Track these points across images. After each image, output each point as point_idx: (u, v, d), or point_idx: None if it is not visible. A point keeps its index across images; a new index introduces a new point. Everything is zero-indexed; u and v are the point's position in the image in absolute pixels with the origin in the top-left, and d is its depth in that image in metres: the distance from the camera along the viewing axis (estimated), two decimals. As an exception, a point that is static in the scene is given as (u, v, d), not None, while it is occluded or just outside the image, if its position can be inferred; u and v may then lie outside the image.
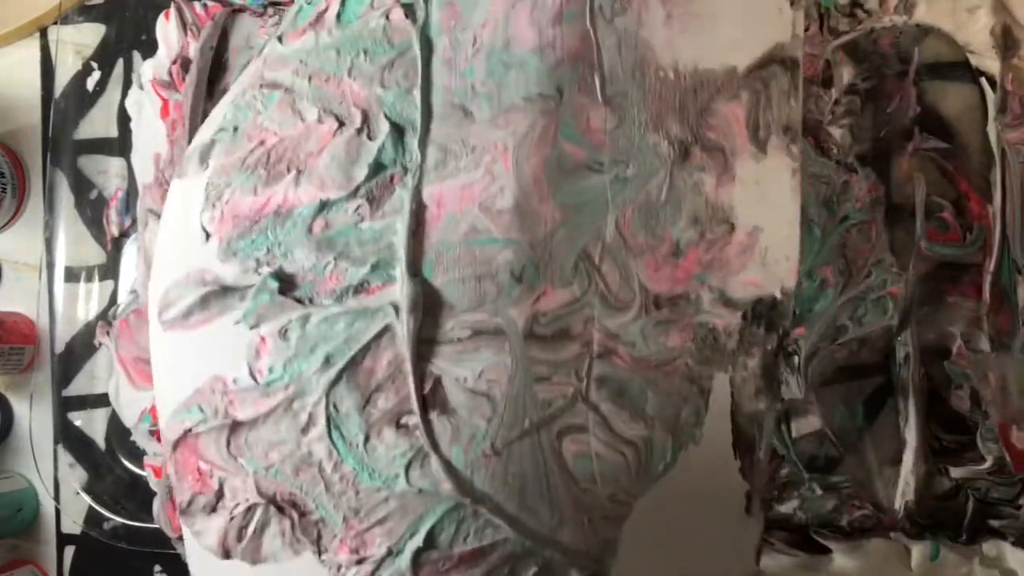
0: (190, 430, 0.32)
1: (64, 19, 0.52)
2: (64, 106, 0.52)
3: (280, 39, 0.34)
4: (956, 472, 0.44)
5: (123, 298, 0.51)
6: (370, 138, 0.32)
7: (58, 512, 0.53)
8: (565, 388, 0.32)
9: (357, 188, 0.32)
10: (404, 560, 0.32)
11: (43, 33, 0.55)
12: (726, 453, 0.34)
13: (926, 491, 0.44)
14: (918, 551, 0.43)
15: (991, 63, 0.44)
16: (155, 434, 0.49)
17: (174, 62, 0.49)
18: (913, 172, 0.45)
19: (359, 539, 0.32)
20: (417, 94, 0.32)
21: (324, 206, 0.32)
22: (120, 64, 0.52)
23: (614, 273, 0.32)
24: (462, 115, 0.32)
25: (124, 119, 0.52)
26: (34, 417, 0.52)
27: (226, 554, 0.32)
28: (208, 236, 0.33)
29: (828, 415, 0.45)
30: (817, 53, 0.45)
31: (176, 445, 0.33)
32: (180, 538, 0.49)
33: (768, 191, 0.33)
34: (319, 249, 0.32)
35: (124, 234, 0.52)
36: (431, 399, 0.31)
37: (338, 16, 0.33)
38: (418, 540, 0.32)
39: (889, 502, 0.44)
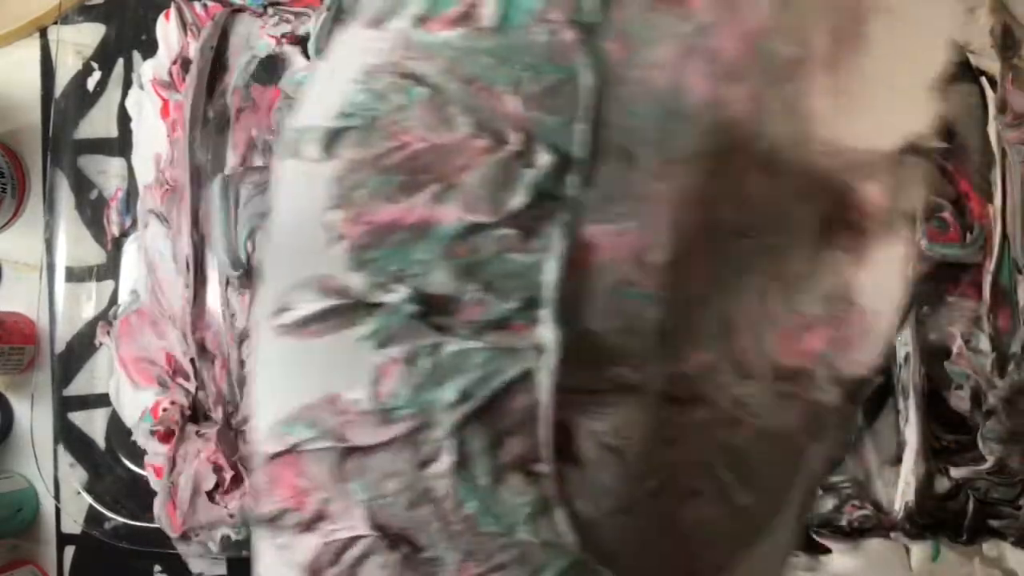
0: (295, 446, 0.30)
1: (64, 19, 0.52)
2: (64, 106, 0.52)
3: (419, 21, 0.30)
4: (956, 472, 0.44)
5: (123, 298, 0.51)
6: (528, 165, 0.29)
7: (58, 512, 0.53)
8: (691, 452, 0.31)
9: (509, 216, 0.29)
10: None
11: (43, 33, 0.55)
12: (799, 516, 0.34)
13: (926, 491, 0.44)
14: (918, 551, 0.43)
15: (991, 63, 0.44)
16: (156, 434, 0.49)
17: (174, 62, 0.49)
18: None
19: None
20: (582, 127, 0.30)
21: (471, 229, 0.29)
22: (120, 64, 0.52)
23: (750, 341, 0.31)
24: (624, 158, 0.30)
25: (124, 119, 0.52)
26: (34, 417, 0.52)
27: (314, 575, 0.31)
28: (334, 240, 0.30)
29: (828, 415, 0.45)
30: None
31: (273, 457, 0.30)
32: (181, 538, 0.49)
33: (885, 275, 0.33)
34: (461, 275, 0.29)
35: (124, 234, 0.52)
36: (563, 449, 0.30)
37: (499, 19, 0.30)
38: None
39: (889, 502, 0.44)
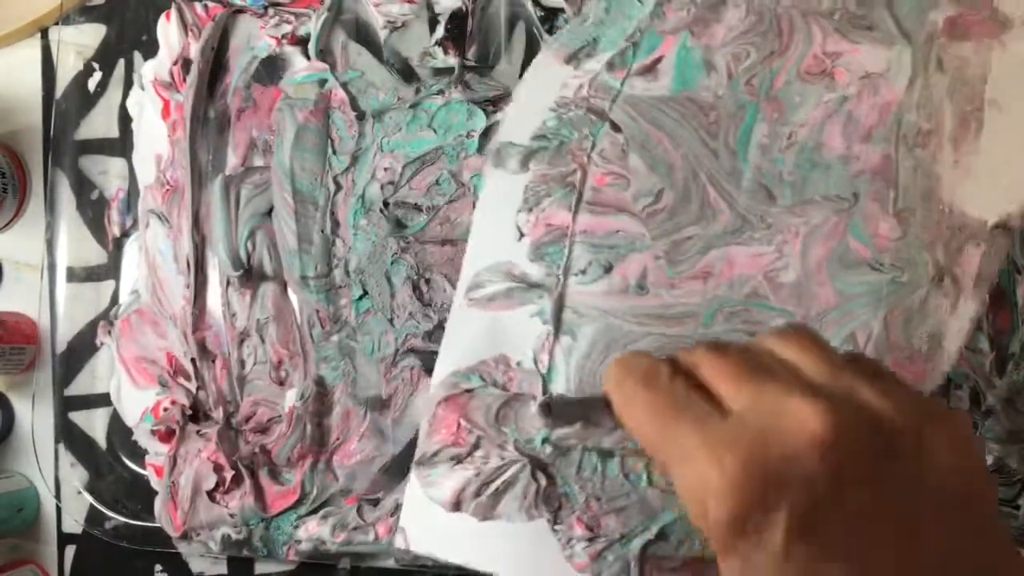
0: (468, 391, 0.37)
1: (65, 19, 0.52)
2: (65, 107, 0.52)
3: (609, 67, 0.39)
4: (956, 472, 0.44)
5: (124, 298, 0.51)
6: (682, 210, 0.38)
7: (59, 511, 0.53)
8: None
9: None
10: (634, 547, 0.36)
11: (44, 34, 0.55)
12: None
13: (926, 491, 0.44)
14: (918, 551, 0.43)
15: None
16: (156, 433, 0.49)
17: (175, 63, 0.49)
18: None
19: (595, 519, 0.35)
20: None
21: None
22: (121, 65, 0.52)
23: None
24: (766, 195, 0.37)
25: (125, 120, 0.52)
26: (35, 417, 0.52)
27: (456, 506, 0.36)
28: (522, 236, 0.38)
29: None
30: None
31: (443, 402, 0.37)
32: (181, 537, 0.49)
33: (961, 328, 0.38)
34: None
35: (125, 234, 0.52)
36: None
37: (674, 75, 0.39)
38: (650, 534, 0.36)
39: (889, 502, 0.44)
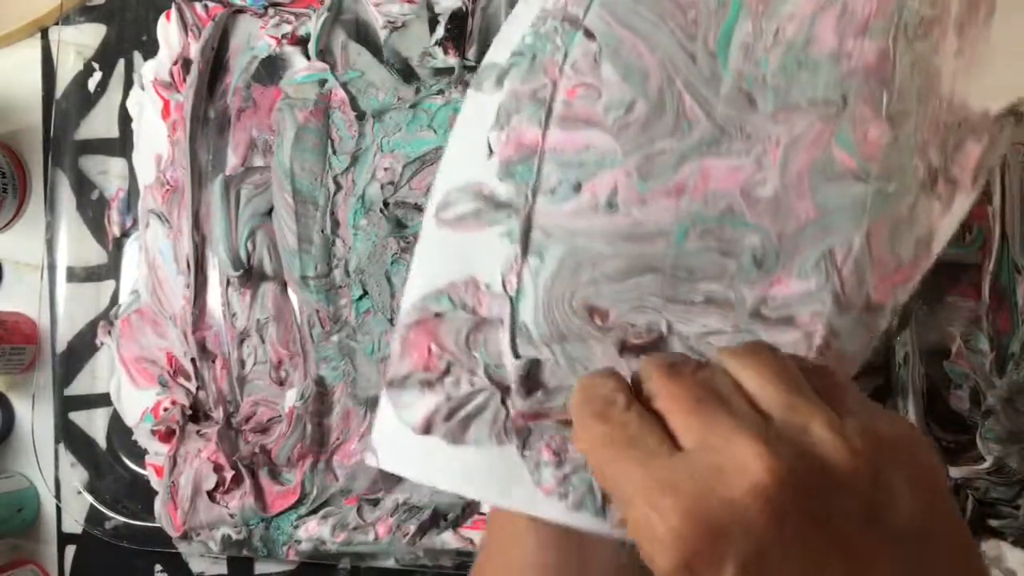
0: (437, 314, 0.36)
1: (65, 19, 0.52)
2: (65, 107, 0.52)
3: None
4: (956, 472, 0.44)
5: (124, 298, 0.51)
6: (655, 121, 0.35)
7: (59, 511, 0.53)
8: None
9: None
10: None
11: (44, 34, 0.55)
12: None
13: (926, 491, 0.44)
14: (918, 551, 0.43)
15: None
16: (156, 433, 0.49)
17: (175, 63, 0.49)
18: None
19: (563, 446, 0.34)
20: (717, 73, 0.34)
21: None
22: (121, 65, 0.52)
23: (852, 277, 0.33)
24: (747, 101, 0.34)
25: (125, 120, 0.52)
26: (35, 417, 0.52)
27: (427, 430, 0.35)
28: (492, 154, 0.36)
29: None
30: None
31: (414, 325, 0.36)
32: (181, 537, 0.49)
33: (953, 222, 0.36)
34: None
35: (125, 234, 0.52)
36: (654, 347, 0.34)
37: None
38: None
39: (889, 502, 0.44)
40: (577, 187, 0.35)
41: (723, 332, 0.34)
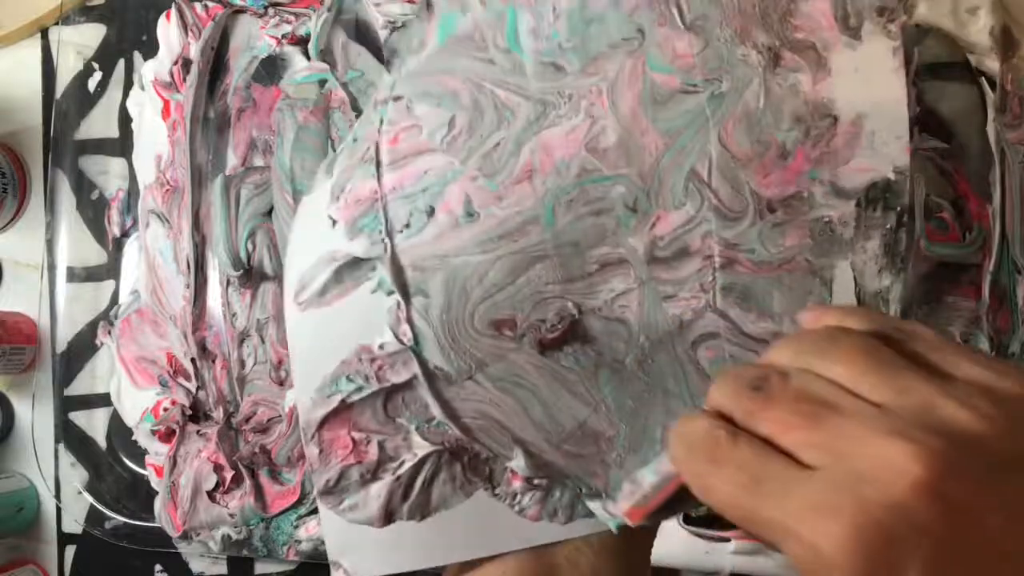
0: (344, 401, 0.34)
1: (65, 20, 0.52)
2: (65, 107, 0.52)
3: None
4: (956, 472, 0.44)
5: (124, 298, 0.51)
6: (478, 122, 0.34)
7: (59, 511, 0.53)
8: (692, 301, 0.34)
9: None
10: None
11: (44, 34, 0.55)
12: None
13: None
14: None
15: (991, 63, 0.44)
16: (156, 433, 0.49)
17: (175, 63, 0.49)
18: (912, 172, 0.45)
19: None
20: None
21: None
22: (121, 65, 0.52)
23: (725, 186, 0.33)
24: (554, 70, 0.34)
25: (125, 120, 0.52)
26: (35, 417, 0.52)
27: (388, 518, 0.34)
28: (334, 223, 0.35)
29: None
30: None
31: (324, 422, 0.34)
32: (181, 537, 0.49)
33: (870, 76, 0.34)
34: None
35: (125, 234, 0.52)
36: (572, 333, 0.33)
37: (438, 33, 0.36)
38: None
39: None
40: (430, 211, 0.34)
41: (630, 290, 0.33)
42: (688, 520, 0.46)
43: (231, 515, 0.47)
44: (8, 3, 0.54)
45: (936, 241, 0.44)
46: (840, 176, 0.34)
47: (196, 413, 0.49)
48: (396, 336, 0.33)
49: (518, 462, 0.33)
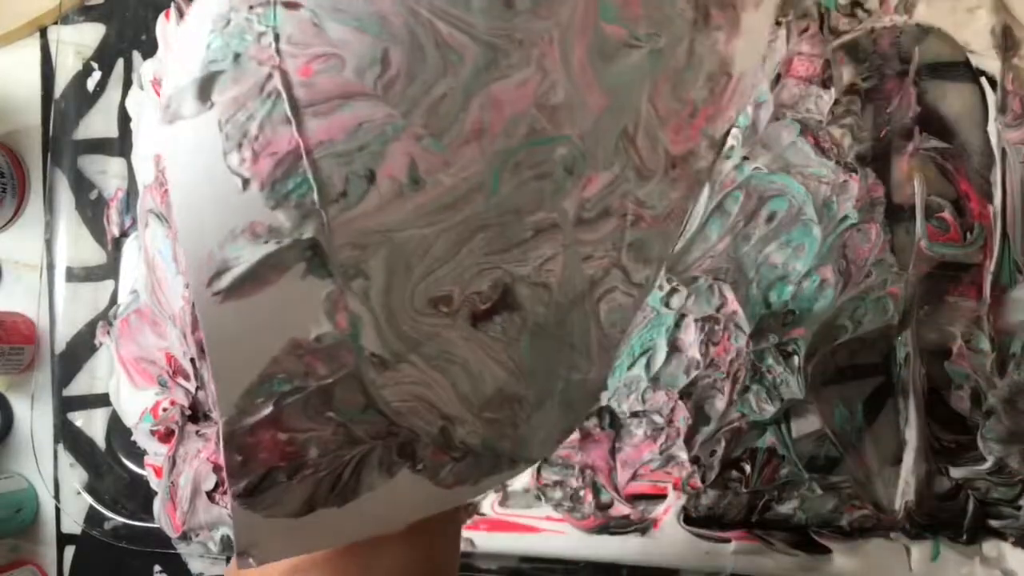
0: (278, 404, 0.29)
1: (64, 19, 0.52)
2: (64, 106, 0.52)
3: None
4: (956, 472, 0.44)
5: (123, 298, 0.51)
6: (419, 64, 0.29)
7: (58, 512, 0.53)
8: (604, 260, 0.33)
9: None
10: None
11: (43, 33, 0.55)
12: None
13: (926, 491, 0.44)
14: (918, 551, 0.43)
15: (991, 63, 0.44)
16: (156, 434, 0.49)
17: (174, 62, 0.49)
18: (913, 172, 0.45)
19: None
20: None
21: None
22: (120, 64, 0.52)
23: (646, 145, 0.32)
24: (503, 6, 0.29)
25: (124, 119, 0.52)
26: (34, 417, 0.52)
27: (310, 508, 0.31)
28: (246, 183, 0.28)
29: (828, 415, 0.45)
30: (817, 53, 0.45)
31: (255, 428, 0.30)
32: (180, 538, 0.49)
33: (755, 37, 0.34)
34: None
35: (124, 234, 0.52)
36: (502, 302, 0.32)
37: None
38: None
39: (889, 502, 0.44)
40: (370, 176, 0.29)
41: (556, 255, 0.31)
42: (688, 520, 0.46)
43: (231, 515, 0.47)
44: (7, 3, 0.54)
45: (937, 241, 0.44)
46: (717, 128, 0.34)
47: (195, 413, 0.49)
48: (333, 326, 0.28)
49: (443, 437, 0.31)
